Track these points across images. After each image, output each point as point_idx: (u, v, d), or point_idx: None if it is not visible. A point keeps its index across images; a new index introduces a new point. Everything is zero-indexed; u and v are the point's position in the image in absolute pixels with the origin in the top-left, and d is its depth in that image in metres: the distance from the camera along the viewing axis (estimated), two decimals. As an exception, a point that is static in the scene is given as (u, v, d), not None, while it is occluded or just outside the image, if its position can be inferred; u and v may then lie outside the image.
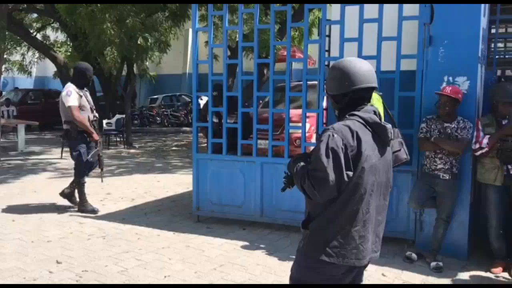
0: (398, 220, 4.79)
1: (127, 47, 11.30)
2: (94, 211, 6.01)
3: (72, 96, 5.72)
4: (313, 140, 6.77)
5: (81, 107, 5.77)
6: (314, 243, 2.21)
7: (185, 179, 7.03)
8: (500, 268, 4.19)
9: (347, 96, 2.25)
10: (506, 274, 4.13)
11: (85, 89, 6.03)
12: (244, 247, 4.85)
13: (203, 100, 9.54)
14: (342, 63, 2.28)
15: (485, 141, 4.13)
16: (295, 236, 5.07)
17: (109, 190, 7.34)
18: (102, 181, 6.35)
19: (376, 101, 4.36)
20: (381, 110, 4.32)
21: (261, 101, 9.17)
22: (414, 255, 4.42)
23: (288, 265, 4.32)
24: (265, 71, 10.37)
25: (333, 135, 2.11)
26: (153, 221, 5.74)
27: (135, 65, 14.24)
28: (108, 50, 12.34)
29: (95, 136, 5.85)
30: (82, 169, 5.96)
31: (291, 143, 6.33)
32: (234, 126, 5.53)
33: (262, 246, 4.87)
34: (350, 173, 2.11)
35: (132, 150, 12.52)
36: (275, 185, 5.28)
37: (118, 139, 13.59)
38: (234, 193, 5.49)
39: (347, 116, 2.22)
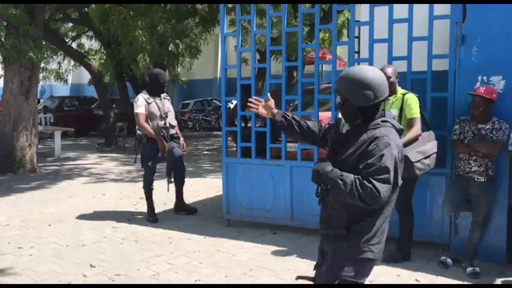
0: (432, 224, 4.67)
1: (159, 53, 11.48)
2: (155, 220, 5.99)
3: (139, 103, 5.79)
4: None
5: (149, 114, 5.82)
6: (359, 243, 2.32)
7: (216, 183, 7.06)
8: None
9: (374, 106, 2.31)
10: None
11: (164, 95, 6.02)
12: (274, 251, 4.84)
13: (233, 104, 9.58)
14: (367, 75, 2.29)
15: (522, 142, 4.00)
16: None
17: (142, 194, 7.45)
18: (168, 190, 6.16)
19: (414, 103, 4.29)
20: (417, 112, 4.24)
21: (291, 104, 9.14)
22: (449, 260, 4.30)
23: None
24: (294, 74, 10.34)
25: (390, 144, 2.20)
26: (185, 225, 5.79)
27: (167, 70, 14.46)
28: (140, 57, 12.59)
29: (161, 144, 5.80)
30: (147, 176, 6.00)
31: (321, 146, 6.27)
32: (262, 130, 5.53)
33: (292, 250, 4.84)
34: (400, 180, 2.29)
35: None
36: (305, 189, 5.24)
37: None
38: (264, 196, 5.49)
39: (380, 123, 2.29)
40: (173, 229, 5.64)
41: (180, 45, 11.78)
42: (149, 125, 5.79)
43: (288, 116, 2.73)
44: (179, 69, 15.08)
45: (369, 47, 4.91)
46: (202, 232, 5.48)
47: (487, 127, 4.10)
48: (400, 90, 4.45)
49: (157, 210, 6.25)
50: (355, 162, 2.24)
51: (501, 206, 4.27)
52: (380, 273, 4.09)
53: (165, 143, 5.82)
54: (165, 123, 5.88)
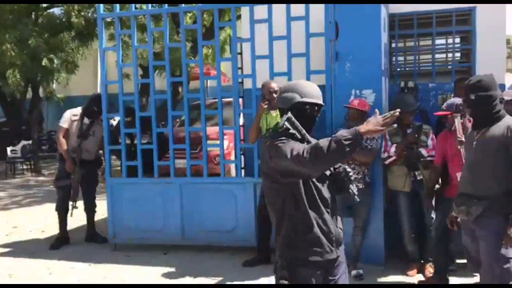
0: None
1: (31, 68, 10.65)
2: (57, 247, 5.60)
3: (64, 117, 5.63)
4: (232, 157, 6.75)
5: (69, 132, 5.56)
6: None
7: (99, 206, 6.68)
8: (415, 270, 4.39)
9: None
10: (420, 276, 4.34)
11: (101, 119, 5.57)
12: (166, 273, 4.68)
13: (115, 121, 9.22)
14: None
15: (392, 149, 4.36)
16: (219, 257, 4.99)
17: (16, 223, 6.80)
18: (71, 215, 5.71)
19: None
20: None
21: (177, 120, 9.03)
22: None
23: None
24: (179, 90, 10.24)
25: None
26: (67, 253, 5.37)
27: (40, 87, 13.44)
28: (10, 73, 11.54)
29: (67, 165, 5.54)
30: (58, 196, 5.68)
31: (210, 160, 6.26)
32: (149, 147, 5.36)
33: (185, 270, 4.72)
34: None
35: (40, 178, 11.74)
36: (196, 205, 5.18)
37: (25, 167, 12.70)
38: (153, 217, 5.30)
39: None
40: (53, 258, 5.19)
41: (55, 60, 11.02)
42: (66, 142, 5.55)
43: None
44: (54, 85, 14.10)
45: (251, 63, 5.02)
46: (87, 260, 5.13)
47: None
48: None
49: (34, 240, 5.71)
50: None
51: (378, 210, 4.60)
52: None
53: (72, 165, 5.51)
54: (79, 145, 5.56)
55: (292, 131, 2.33)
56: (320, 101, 2.44)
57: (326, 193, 2.39)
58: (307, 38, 4.83)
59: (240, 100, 5.40)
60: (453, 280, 4.10)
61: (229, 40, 10.29)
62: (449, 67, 5.90)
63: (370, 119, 2.21)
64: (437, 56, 6.09)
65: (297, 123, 2.35)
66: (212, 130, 6.03)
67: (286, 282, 2.32)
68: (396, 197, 4.46)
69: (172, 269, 4.75)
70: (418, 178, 4.35)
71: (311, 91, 2.43)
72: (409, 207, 4.39)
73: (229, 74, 11.85)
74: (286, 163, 2.24)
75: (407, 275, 4.36)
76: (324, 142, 2.15)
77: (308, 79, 4.82)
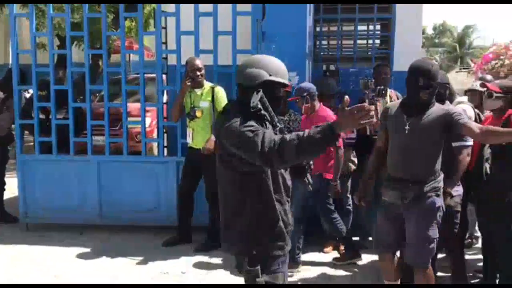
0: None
1: None
2: None
3: None
4: (155, 135, 6.58)
5: None
6: None
7: (9, 184, 6.23)
8: (330, 248, 4.58)
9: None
10: (336, 253, 4.52)
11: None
12: (82, 253, 4.50)
13: (29, 94, 8.64)
14: None
15: (314, 131, 4.45)
16: (140, 237, 4.88)
17: None
18: None
19: (225, 96, 4.44)
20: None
21: (97, 95, 8.62)
22: None
23: (133, 268, 4.15)
24: (100, 63, 9.78)
25: None
26: (-29, 235, 5.00)
27: None
28: None
29: None
30: None
31: (131, 138, 6.06)
32: (65, 122, 5.08)
33: (102, 250, 4.56)
34: None
35: None
36: (115, 185, 5.01)
37: None
38: (68, 196, 5.05)
39: None
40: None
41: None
42: None
43: None
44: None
45: (176, 38, 4.88)
46: (-5, 241, 4.81)
47: (285, 118, 4.46)
48: (207, 83, 4.54)
49: None
50: None
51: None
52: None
53: None
54: None
55: (263, 112, 2.10)
56: (287, 81, 2.22)
57: (289, 181, 2.23)
58: (233, 17, 4.78)
59: (164, 76, 5.24)
60: (366, 257, 4.30)
61: (153, 14, 9.94)
62: (369, 53, 6.10)
63: (344, 113, 1.87)
64: (359, 42, 6.28)
65: (268, 104, 2.12)
66: (134, 106, 5.83)
67: (263, 281, 2.13)
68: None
69: (88, 250, 4.58)
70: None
71: (280, 69, 2.19)
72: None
73: (153, 49, 11.50)
74: (254, 156, 1.98)
75: (324, 252, 4.53)
76: (293, 141, 1.89)
77: (234, 58, 4.80)
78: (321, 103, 4.20)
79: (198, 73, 4.44)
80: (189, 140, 4.59)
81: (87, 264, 4.28)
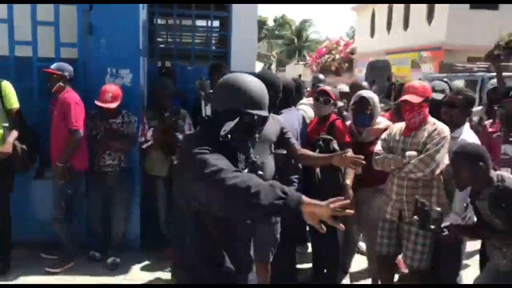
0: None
1: None
2: None
3: None
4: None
5: None
6: None
7: None
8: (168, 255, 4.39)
9: None
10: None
11: None
12: None
13: None
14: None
15: (149, 134, 4.18)
16: None
17: None
18: None
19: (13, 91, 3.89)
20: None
21: None
22: (97, 254, 4.26)
23: None
24: None
25: None
26: None
27: None
28: None
29: None
30: None
31: None
32: None
33: None
34: None
35: None
36: None
37: None
38: None
39: None
40: None
41: None
42: None
43: None
44: None
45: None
46: None
47: (118, 121, 4.12)
48: None
49: None
50: None
51: (135, 196, 4.42)
52: None
53: None
54: None
55: (234, 142, 1.84)
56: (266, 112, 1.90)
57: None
58: (56, 6, 4.26)
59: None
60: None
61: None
62: (207, 51, 5.95)
63: (322, 203, 1.58)
64: (198, 40, 6.11)
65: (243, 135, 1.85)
66: None
67: None
68: (154, 182, 4.35)
69: None
70: (175, 163, 4.31)
71: (258, 98, 1.87)
72: (167, 192, 4.31)
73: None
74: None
75: (161, 259, 4.32)
76: (254, 188, 1.60)
77: (58, 51, 4.30)
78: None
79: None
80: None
81: None
